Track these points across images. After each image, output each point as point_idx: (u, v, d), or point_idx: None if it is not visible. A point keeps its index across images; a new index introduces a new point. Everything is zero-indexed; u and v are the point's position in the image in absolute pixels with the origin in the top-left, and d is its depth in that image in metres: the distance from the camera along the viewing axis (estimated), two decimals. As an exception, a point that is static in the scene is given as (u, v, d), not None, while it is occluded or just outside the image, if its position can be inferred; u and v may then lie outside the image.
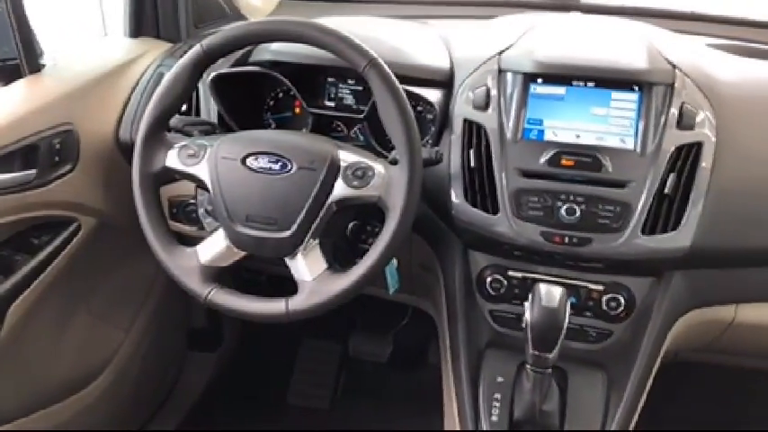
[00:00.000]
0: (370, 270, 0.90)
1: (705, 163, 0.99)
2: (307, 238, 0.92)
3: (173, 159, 0.97)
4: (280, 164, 0.92)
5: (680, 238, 0.98)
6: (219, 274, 0.97)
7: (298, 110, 1.25)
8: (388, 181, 0.90)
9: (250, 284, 1.17)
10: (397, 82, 0.91)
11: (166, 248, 0.97)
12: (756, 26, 1.42)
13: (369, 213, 1.04)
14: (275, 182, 0.92)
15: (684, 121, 1.00)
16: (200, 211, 1.14)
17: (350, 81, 1.22)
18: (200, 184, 0.97)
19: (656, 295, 1.05)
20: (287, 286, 0.94)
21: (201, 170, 0.96)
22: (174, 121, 1.03)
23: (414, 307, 1.47)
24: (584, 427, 1.02)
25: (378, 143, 1.20)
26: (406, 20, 1.36)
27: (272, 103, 1.26)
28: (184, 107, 1.18)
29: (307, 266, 0.92)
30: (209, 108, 1.20)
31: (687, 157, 0.99)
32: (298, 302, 0.92)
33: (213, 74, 1.14)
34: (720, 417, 1.68)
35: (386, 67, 0.91)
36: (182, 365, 1.78)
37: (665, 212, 0.99)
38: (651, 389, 1.06)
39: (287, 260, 0.94)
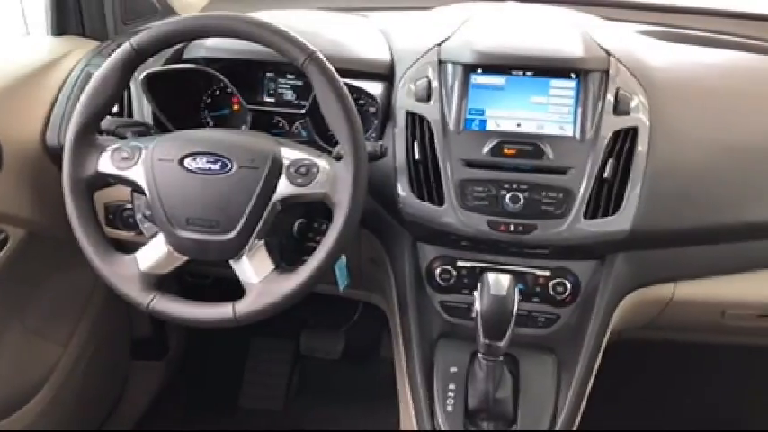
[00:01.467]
0: (319, 268, 0.88)
1: (641, 147, 1.02)
2: (251, 240, 0.89)
3: (105, 163, 0.93)
4: (219, 164, 0.90)
5: (620, 221, 1.01)
6: (161, 281, 0.94)
7: (236, 107, 1.22)
8: (333, 177, 0.89)
9: (195, 289, 1.14)
10: (337, 76, 0.90)
11: (103, 257, 0.93)
12: (681, 12, 1.47)
13: (315, 211, 1.02)
14: (215, 182, 0.89)
15: (620, 107, 1.02)
16: (138, 215, 1.09)
17: (289, 76, 1.20)
18: (136, 188, 0.94)
19: (600, 278, 1.07)
20: (234, 289, 0.92)
21: (137, 173, 0.92)
22: (106, 123, 0.99)
23: (364, 302, 1.46)
24: (537, 410, 1.04)
25: (321, 138, 1.18)
26: (343, 12, 1.35)
27: (208, 100, 1.22)
28: (116, 108, 1.13)
29: (253, 268, 0.90)
30: (143, 108, 1.15)
31: (624, 141, 1.02)
32: (245, 305, 0.89)
33: (145, 72, 1.10)
34: (667, 391, 1.75)
35: (326, 60, 0.90)
36: (126, 377, 1.71)
37: (606, 197, 1.01)
38: (599, 369, 1.09)
39: (232, 263, 0.92)
